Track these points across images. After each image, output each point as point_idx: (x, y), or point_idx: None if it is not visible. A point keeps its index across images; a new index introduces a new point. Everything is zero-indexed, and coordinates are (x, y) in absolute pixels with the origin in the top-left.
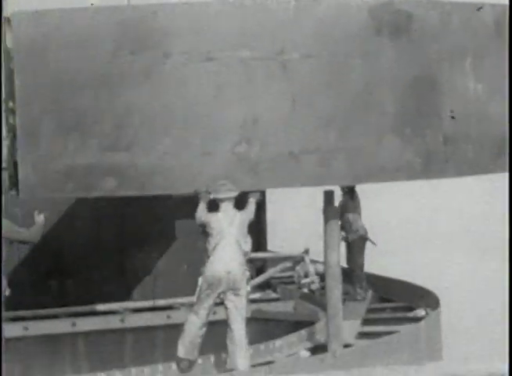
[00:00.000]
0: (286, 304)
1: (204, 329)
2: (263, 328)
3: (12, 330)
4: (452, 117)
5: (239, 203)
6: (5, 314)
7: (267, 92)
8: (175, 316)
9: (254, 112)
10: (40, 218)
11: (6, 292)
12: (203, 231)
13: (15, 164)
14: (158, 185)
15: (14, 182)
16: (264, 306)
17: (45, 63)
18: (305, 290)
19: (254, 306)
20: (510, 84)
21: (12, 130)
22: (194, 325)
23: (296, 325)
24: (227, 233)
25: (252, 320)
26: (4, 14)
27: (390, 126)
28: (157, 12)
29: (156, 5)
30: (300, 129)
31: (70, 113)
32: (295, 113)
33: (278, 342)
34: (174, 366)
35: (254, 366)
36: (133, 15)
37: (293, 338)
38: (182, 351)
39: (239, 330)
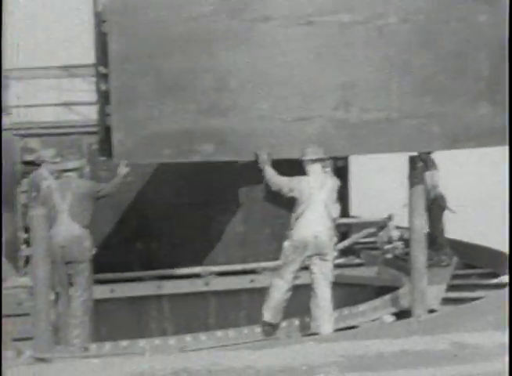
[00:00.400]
0: (370, 269)
1: (290, 293)
2: (346, 293)
3: (99, 292)
4: None
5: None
6: (93, 276)
7: (365, 57)
8: (259, 280)
9: (352, 76)
10: (123, 169)
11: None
12: (282, 195)
13: (106, 130)
14: (256, 149)
15: (104, 148)
16: (347, 271)
17: (142, 25)
18: (389, 255)
19: (338, 271)
20: (510, 84)
21: (103, 95)
22: (280, 289)
23: (379, 290)
24: (316, 197)
25: (335, 285)
26: None
27: (484, 91)
28: None
29: None
30: (397, 94)
31: (167, 75)
32: (392, 78)
33: (362, 307)
34: (258, 329)
35: (337, 330)
36: None
37: (376, 302)
38: (267, 315)
39: (324, 294)
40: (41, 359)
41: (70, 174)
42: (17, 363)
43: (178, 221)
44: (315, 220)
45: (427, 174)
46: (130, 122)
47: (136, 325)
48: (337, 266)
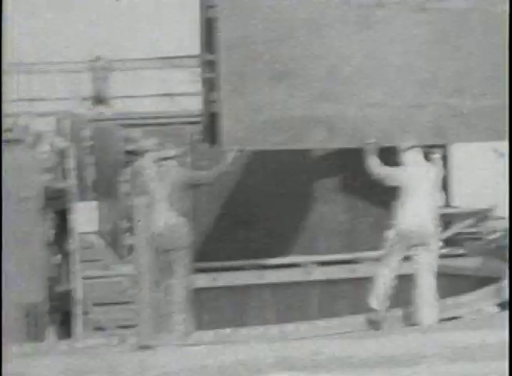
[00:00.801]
0: (473, 260)
1: (395, 281)
2: (449, 283)
3: (201, 280)
4: None
5: None
6: (195, 265)
7: (480, 44)
8: (360, 270)
9: (467, 63)
10: (230, 156)
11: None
12: (383, 183)
13: (211, 117)
14: (367, 136)
15: (209, 135)
16: (450, 262)
17: (253, 9)
18: (492, 246)
19: (440, 261)
20: (510, 84)
21: (208, 83)
22: (385, 278)
23: (482, 281)
24: (421, 186)
25: (439, 276)
26: None
27: None
28: None
29: None
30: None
31: (280, 61)
32: (504, 67)
33: (465, 298)
34: (360, 318)
35: (441, 320)
36: None
37: (480, 293)
38: (373, 302)
39: (428, 284)
40: (145, 347)
41: (169, 162)
42: (121, 349)
43: (279, 210)
44: (420, 209)
45: None
46: (240, 109)
47: (237, 314)
48: (440, 256)
